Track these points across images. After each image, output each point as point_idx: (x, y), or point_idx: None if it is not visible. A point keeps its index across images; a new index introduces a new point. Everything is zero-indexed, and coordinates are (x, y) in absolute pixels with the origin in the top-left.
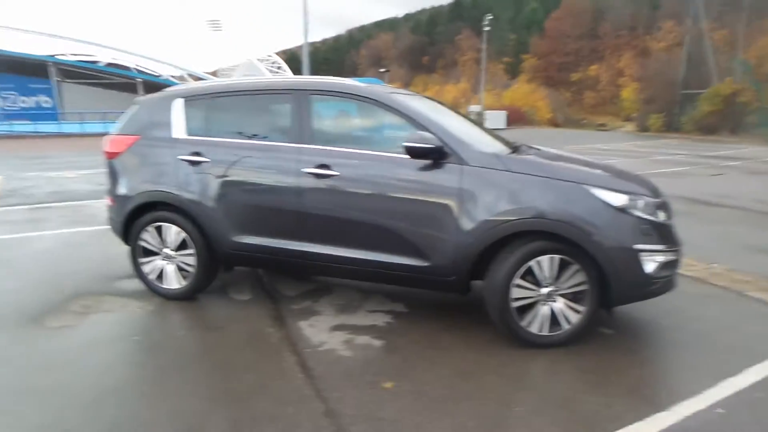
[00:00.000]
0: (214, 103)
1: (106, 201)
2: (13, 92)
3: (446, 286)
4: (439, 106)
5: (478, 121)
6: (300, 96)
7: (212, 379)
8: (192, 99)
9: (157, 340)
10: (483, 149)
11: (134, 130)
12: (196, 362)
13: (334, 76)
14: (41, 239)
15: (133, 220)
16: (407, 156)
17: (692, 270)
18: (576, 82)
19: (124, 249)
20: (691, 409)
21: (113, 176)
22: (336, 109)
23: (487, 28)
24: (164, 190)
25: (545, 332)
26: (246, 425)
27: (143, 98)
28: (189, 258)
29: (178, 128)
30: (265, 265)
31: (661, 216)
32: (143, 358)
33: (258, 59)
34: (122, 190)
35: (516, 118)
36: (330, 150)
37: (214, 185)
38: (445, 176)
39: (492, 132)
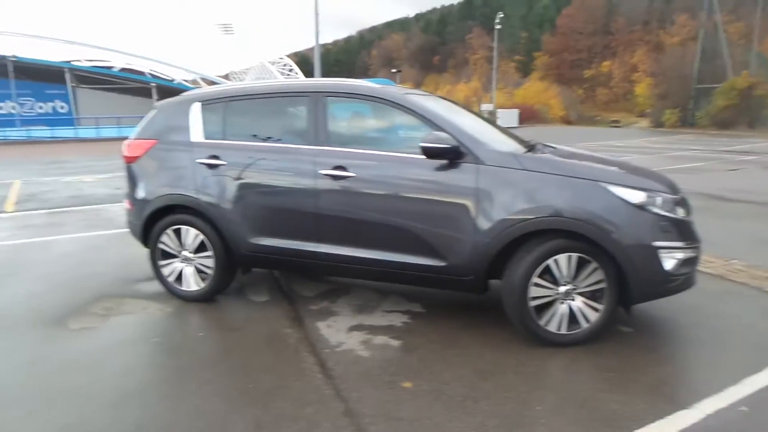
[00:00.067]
0: (231, 106)
1: (125, 204)
2: (30, 98)
3: (463, 286)
4: (453, 105)
5: (492, 120)
6: (316, 98)
7: (232, 379)
8: (210, 103)
9: (177, 342)
10: (499, 148)
11: (152, 134)
12: (216, 363)
13: (345, 77)
14: (61, 243)
15: (152, 223)
16: (423, 156)
17: (711, 266)
18: (588, 79)
19: (142, 252)
20: (713, 407)
21: (132, 180)
22: (351, 111)
23: (498, 27)
24: (182, 193)
25: (564, 331)
26: (267, 425)
27: (162, 103)
28: (207, 260)
29: (196, 132)
30: (283, 267)
31: (680, 212)
32: (164, 359)
33: (269, 62)
34: (141, 193)
35: (528, 116)
36: (346, 151)
37: (231, 188)
38: (462, 176)
39: (507, 131)
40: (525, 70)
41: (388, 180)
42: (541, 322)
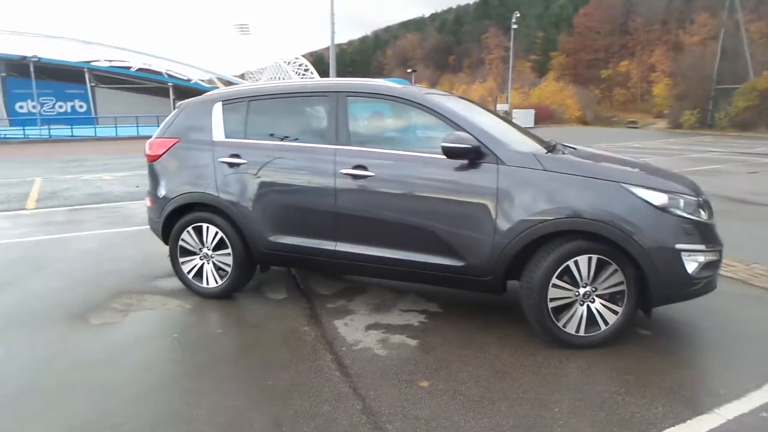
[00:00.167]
0: (252, 106)
1: (147, 202)
2: (51, 98)
3: (482, 286)
4: (474, 105)
5: (511, 120)
6: (337, 98)
7: (251, 376)
8: (231, 102)
9: (196, 338)
10: (519, 149)
11: (174, 133)
12: (235, 360)
13: (360, 77)
14: (82, 240)
15: (173, 220)
16: (443, 156)
17: (732, 270)
18: (605, 79)
19: (161, 249)
20: (734, 412)
21: (154, 178)
22: (371, 110)
23: (514, 26)
24: (203, 191)
25: (582, 333)
26: (286, 422)
27: (185, 102)
28: (226, 258)
29: (218, 131)
30: (302, 265)
31: (703, 215)
32: (183, 355)
33: (285, 61)
34: (162, 191)
35: (544, 117)
36: (366, 151)
37: (252, 186)
38: (482, 176)
39: (527, 131)
40: (541, 69)
41: (407, 179)
42: (560, 324)
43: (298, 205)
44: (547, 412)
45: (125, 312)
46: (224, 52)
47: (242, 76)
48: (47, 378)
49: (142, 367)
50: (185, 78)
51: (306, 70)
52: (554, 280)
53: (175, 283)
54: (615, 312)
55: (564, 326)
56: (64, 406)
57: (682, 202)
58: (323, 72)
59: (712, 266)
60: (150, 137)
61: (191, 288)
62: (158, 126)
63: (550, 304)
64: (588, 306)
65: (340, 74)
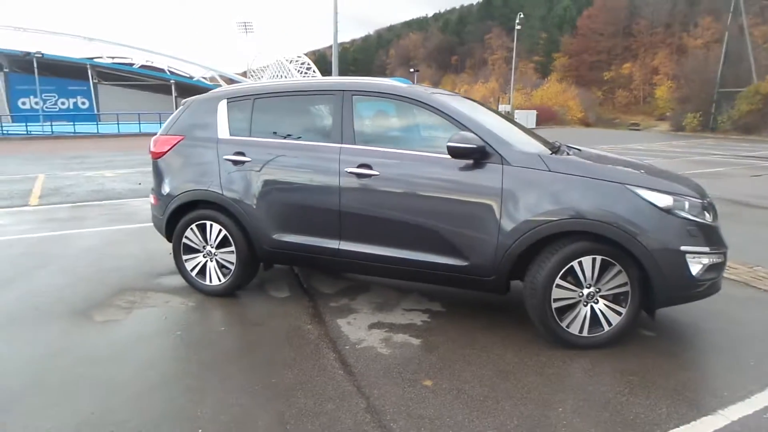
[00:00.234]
0: (258, 104)
1: (150, 199)
2: (53, 94)
3: (485, 286)
4: (478, 106)
5: (516, 121)
6: (343, 97)
7: (254, 374)
8: (237, 100)
9: (199, 336)
10: (525, 149)
11: (179, 130)
12: (238, 358)
13: (362, 76)
14: (84, 236)
15: (176, 218)
16: (448, 156)
17: (735, 273)
18: (608, 81)
19: (164, 246)
20: (738, 413)
21: (158, 175)
22: (377, 110)
23: (518, 27)
24: (207, 188)
25: (585, 333)
26: (290, 420)
27: (190, 99)
28: (230, 255)
29: (223, 129)
30: (305, 263)
31: (707, 217)
32: (187, 352)
33: (287, 60)
34: (166, 189)
35: (546, 118)
36: (371, 150)
37: (256, 184)
38: (487, 176)
39: (532, 132)
40: (544, 71)
41: (412, 179)
42: (563, 324)
43: (303, 204)
44: (551, 412)
45: (128, 309)
46: (227, 49)
47: (244, 74)
48: (51, 374)
49: (145, 365)
50: (187, 75)
51: (308, 69)
52: (558, 281)
53: (177, 280)
54: (618, 313)
55: (567, 327)
56: (68, 403)
57: (686, 204)
58: (325, 71)
59: (716, 268)
60: (152, 134)
61: (194, 286)
62: (160, 123)
63: (554, 305)
64: (591, 307)
65: (342, 73)
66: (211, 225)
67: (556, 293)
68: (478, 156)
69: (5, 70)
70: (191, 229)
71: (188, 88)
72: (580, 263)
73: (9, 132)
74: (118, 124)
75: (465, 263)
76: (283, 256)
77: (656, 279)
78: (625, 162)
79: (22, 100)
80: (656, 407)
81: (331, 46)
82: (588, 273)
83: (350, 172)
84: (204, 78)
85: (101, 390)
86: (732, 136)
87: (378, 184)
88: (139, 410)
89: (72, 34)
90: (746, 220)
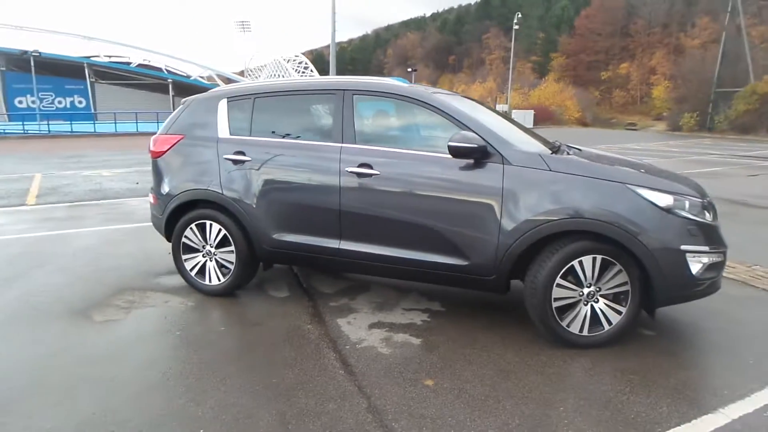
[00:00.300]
0: (258, 103)
1: (150, 199)
2: (50, 93)
3: (485, 286)
4: (479, 105)
5: (516, 121)
6: (344, 96)
7: (255, 374)
8: (237, 99)
9: (199, 336)
10: (525, 149)
11: (179, 129)
12: (238, 357)
13: (360, 75)
14: (82, 236)
15: (176, 217)
16: (449, 155)
17: (733, 272)
18: (605, 81)
19: (162, 246)
20: (739, 412)
21: (157, 174)
22: (377, 109)
23: (516, 27)
24: (207, 188)
25: (586, 332)
26: (292, 420)
27: (190, 98)
28: (229, 255)
29: (223, 128)
30: (305, 263)
31: (707, 216)
32: (186, 352)
33: (285, 59)
34: (166, 188)
35: (544, 117)
36: (372, 149)
37: (256, 184)
38: (488, 176)
39: (532, 131)
40: (541, 71)
41: (413, 178)
42: (564, 323)
43: (303, 203)
44: (552, 411)
45: (128, 309)
46: (224, 49)
47: (242, 73)
48: (51, 374)
49: (145, 364)
50: (185, 74)
51: (306, 68)
52: (559, 280)
53: (176, 280)
54: (619, 312)
55: (568, 326)
56: (69, 402)
57: (687, 204)
58: (323, 70)
59: (716, 268)
60: (149, 134)
61: (194, 285)
62: (157, 122)
63: (554, 304)
64: (592, 306)
65: (339, 72)
66: (211, 224)
67: (556, 292)
68: (479, 155)
69: (2, 68)
70: (191, 228)
71: (185, 88)
72: (580, 262)
73: (5, 131)
74: (115, 123)
75: (466, 263)
76: (283, 255)
77: (656, 278)
78: (626, 162)
79: (18, 98)
80: (657, 406)
81: (328, 46)
82: (588, 272)
83: (351, 172)
84: (201, 77)
85: (102, 390)
86: (729, 136)
87: (378, 184)
88: (140, 410)
89: (69, 32)
90: (744, 219)
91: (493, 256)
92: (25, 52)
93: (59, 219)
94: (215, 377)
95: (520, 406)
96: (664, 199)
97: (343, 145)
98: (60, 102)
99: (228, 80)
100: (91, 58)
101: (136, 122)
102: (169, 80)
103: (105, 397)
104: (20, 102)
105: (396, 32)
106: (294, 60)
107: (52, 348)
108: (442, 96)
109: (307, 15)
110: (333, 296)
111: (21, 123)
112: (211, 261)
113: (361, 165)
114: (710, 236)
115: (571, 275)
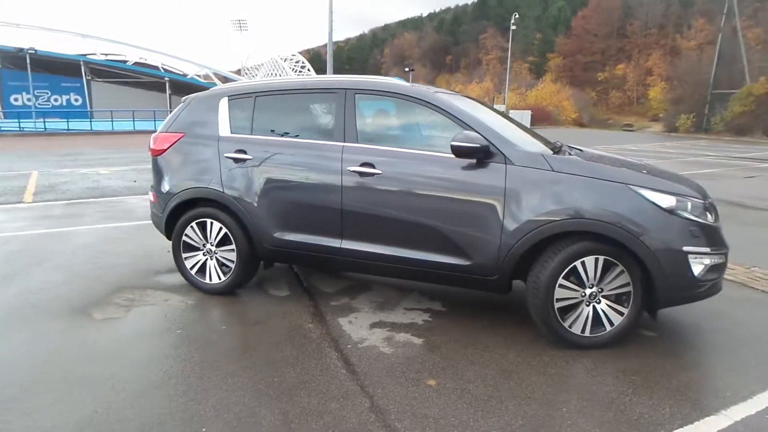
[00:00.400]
0: (259, 101)
1: (150, 197)
2: (46, 91)
3: (487, 286)
4: (480, 105)
5: (518, 121)
6: (345, 95)
7: (256, 373)
8: (238, 98)
9: (200, 334)
10: (528, 149)
11: (179, 127)
12: (239, 357)
13: (357, 74)
14: (80, 234)
15: (176, 215)
16: (451, 155)
17: (732, 273)
18: (602, 82)
19: (161, 244)
20: (741, 414)
21: (158, 173)
22: (379, 108)
23: (513, 27)
24: (208, 186)
25: (587, 333)
26: (294, 419)
27: (191, 97)
28: (230, 254)
29: (224, 126)
30: (306, 262)
31: (709, 218)
32: (187, 351)
33: (282, 58)
34: (166, 186)
35: (541, 118)
36: (374, 148)
37: (257, 182)
38: (490, 175)
39: (534, 132)
40: (538, 71)
41: (415, 178)
42: (566, 324)
43: (304, 202)
44: (555, 412)
45: (127, 307)
46: (221, 47)
47: (239, 72)
48: (52, 372)
49: (146, 363)
50: (181, 73)
51: (303, 67)
52: (561, 281)
53: (176, 278)
54: (621, 313)
55: (570, 326)
56: (70, 400)
57: (689, 205)
58: (320, 69)
59: (717, 269)
60: (146, 132)
61: (194, 284)
62: (154, 121)
63: (557, 305)
64: (594, 306)
65: (336, 72)
66: (212, 223)
67: (558, 293)
68: (481, 155)
69: None
70: (191, 226)
71: (182, 86)
72: (582, 263)
73: (1, 128)
74: (111, 121)
75: (468, 263)
76: (284, 254)
77: (658, 279)
78: (627, 162)
79: (14, 96)
80: (659, 407)
81: (325, 45)
82: (591, 273)
83: (353, 171)
84: (198, 75)
85: (102, 388)
86: (725, 137)
87: (380, 183)
88: (142, 409)
89: (66, 30)
90: (742, 220)
91: (495, 256)
92: (21, 49)
93: (57, 217)
94: (216, 376)
95: (523, 406)
96: (666, 200)
97: (345, 144)
98: (56, 100)
99: (225, 79)
100: (88, 56)
101: (133, 120)
102: (166, 78)
103: (106, 395)
104: (16, 99)
105: (393, 32)
106: (291, 59)
107: (52, 346)
108: (444, 95)
109: (304, 14)
110: (334, 295)
111: (17, 120)
112: (211, 259)
113: (363, 164)
114: (712, 237)
115: (574, 276)
